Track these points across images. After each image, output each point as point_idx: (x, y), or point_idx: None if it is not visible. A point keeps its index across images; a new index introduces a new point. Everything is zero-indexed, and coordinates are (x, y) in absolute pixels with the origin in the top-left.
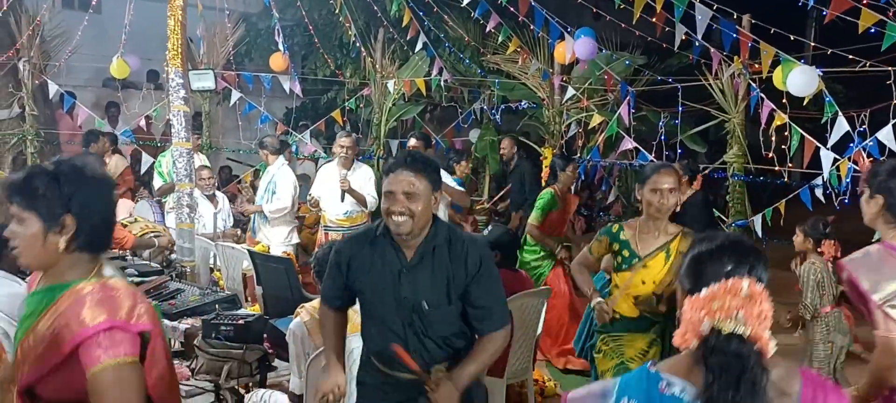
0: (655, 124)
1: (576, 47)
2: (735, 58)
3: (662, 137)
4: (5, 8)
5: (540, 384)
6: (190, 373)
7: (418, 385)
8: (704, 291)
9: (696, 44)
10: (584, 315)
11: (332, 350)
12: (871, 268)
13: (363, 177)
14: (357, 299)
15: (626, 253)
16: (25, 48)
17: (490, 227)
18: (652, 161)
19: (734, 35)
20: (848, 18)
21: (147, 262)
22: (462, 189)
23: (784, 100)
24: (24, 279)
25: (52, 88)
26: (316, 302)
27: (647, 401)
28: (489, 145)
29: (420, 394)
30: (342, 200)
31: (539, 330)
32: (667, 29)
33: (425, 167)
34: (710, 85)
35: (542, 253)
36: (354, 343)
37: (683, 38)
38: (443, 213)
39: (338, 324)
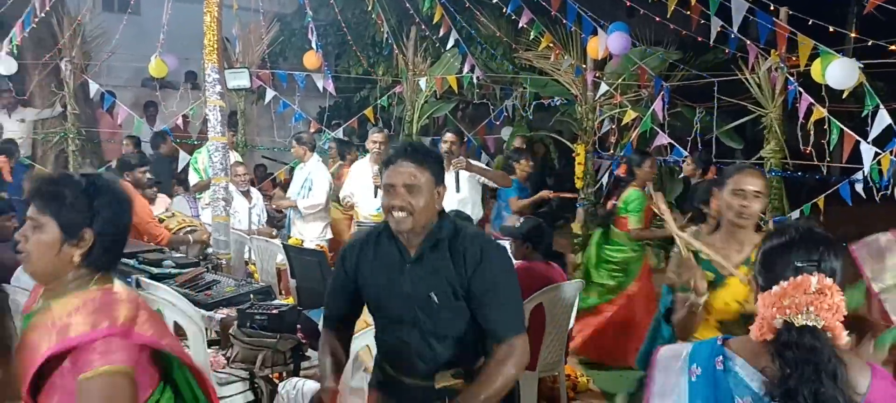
0: (690, 120)
1: (609, 42)
2: (772, 51)
3: (697, 133)
4: (47, 8)
5: (572, 379)
6: (225, 361)
7: (427, 391)
8: (775, 288)
9: (732, 37)
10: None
11: (328, 369)
12: (874, 255)
13: None
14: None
15: (711, 275)
16: (67, 48)
17: (522, 219)
18: (686, 157)
19: (771, 27)
20: (890, 7)
21: (183, 255)
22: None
23: (823, 94)
24: None
25: (93, 88)
26: None
27: (710, 373)
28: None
29: (430, 400)
30: (375, 196)
31: (571, 324)
32: (702, 22)
33: (427, 158)
34: (746, 79)
35: (632, 252)
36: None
37: (719, 30)
38: (474, 208)
39: (336, 347)
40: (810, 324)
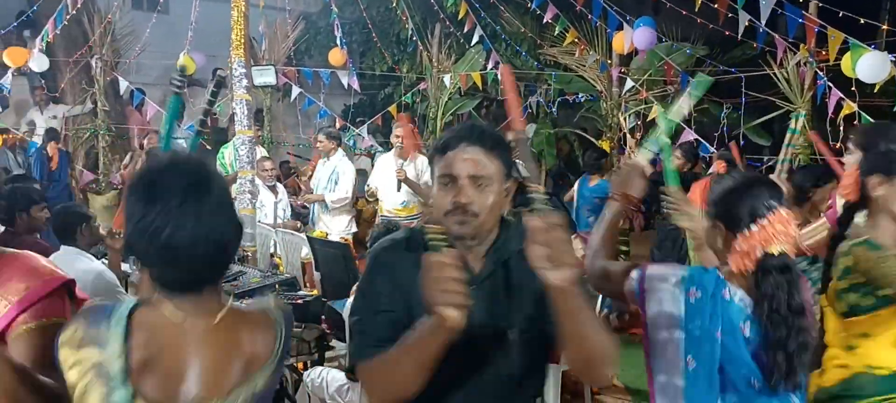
0: (717, 116)
1: (635, 37)
2: (801, 45)
3: (725, 129)
4: (79, 6)
5: None
6: None
7: None
8: (756, 226)
9: (761, 31)
10: None
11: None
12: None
13: (421, 167)
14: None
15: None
16: (97, 46)
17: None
18: (713, 153)
19: (800, 20)
20: None
21: None
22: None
23: (853, 88)
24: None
25: (123, 85)
26: None
27: (710, 299)
28: (545, 139)
29: None
30: (398, 190)
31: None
32: (729, 15)
33: (497, 143)
34: (774, 74)
35: None
36: None
37: (747, 23)
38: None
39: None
40: (780, 250)
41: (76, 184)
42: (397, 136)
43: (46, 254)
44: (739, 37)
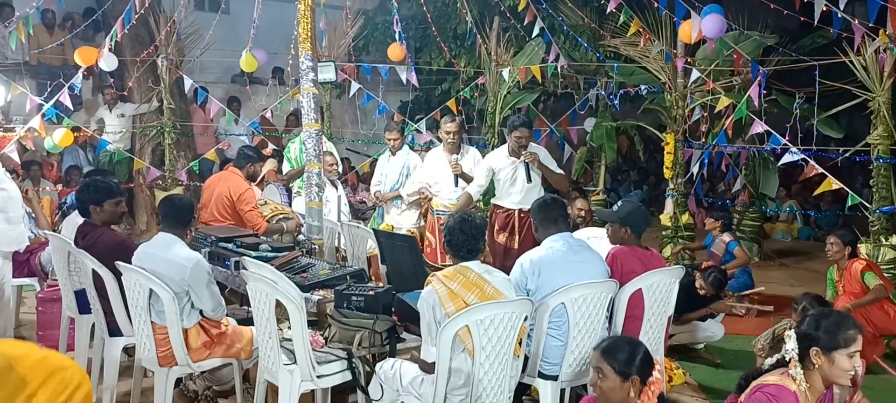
0: (787, 107)
1: (703, 25)
2: (880, 31)
3: (797, 119)
4: (147, 6)
5: (668, 371)
6: (324, 341)
7: None
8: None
9: (839, 15)
10: None
11: None
12: None
13: (472, 160)
14: None
15: None
16: (163, 46)
17: (620, 202)
18: (785, 145)
19: (882, 2)
20: None
21: (276, 241)
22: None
23: None
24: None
25: (187, 83)
26: (447, 271)
27: None
28: (605, 134)
29: None
30: (456, 184)
31: (670, 312)
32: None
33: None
34: (851, 62)
35: None
36: (465, 366)
37: (824, 9)
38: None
39: None
40: None
41: (143, 181)
42: (448, 132)
43: (123, 246)
44: (815, 22)
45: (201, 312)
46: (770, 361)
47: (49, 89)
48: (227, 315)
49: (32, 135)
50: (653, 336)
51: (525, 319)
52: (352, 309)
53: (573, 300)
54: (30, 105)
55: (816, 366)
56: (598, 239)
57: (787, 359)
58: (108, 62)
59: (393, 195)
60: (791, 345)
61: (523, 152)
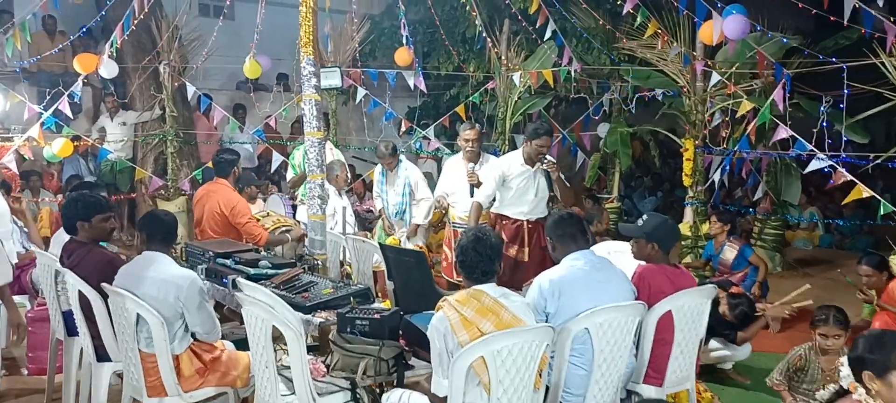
0: (811, 111)
1: (725, 26)
2: None
3: (824, 124)
4: (146, 11)
5: (697, 395)
6: (325, 369)
7: None
8: None
9: (872, 13)
10: None
11: None
12: None
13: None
14: None
15: None
16: (165, 52)
17: (645, 216)
18: (811, 150)
19: None
20: None
21: (278, 255)
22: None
23: None
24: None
25: (190, 90)
26: (459, 295)
27: None
28: (620, 139)
29: None
30: (472, 195)
31: (701, 334)
32: None
33: None
34: (882, 63)
35: None
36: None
37: (856, 5)
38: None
39: None
40: None
41: (145, 191)
42: (467, 140)
43: (112, 265)
44: (845, 22)
45: (193, 335)
46: (825, 394)
47: (48, 97)
48: (225, 336)
49: (31, 144)
50: (683, 361)
51: (546, 348)
52: (356, 334)
53: (598, 325)
54: (28, 113)
55: (873, 391)
56: (619, 255)
57: (845, 387)
58: (108, 69)
59: (413, 230)
60: (845, 372)
61: (546, 161)
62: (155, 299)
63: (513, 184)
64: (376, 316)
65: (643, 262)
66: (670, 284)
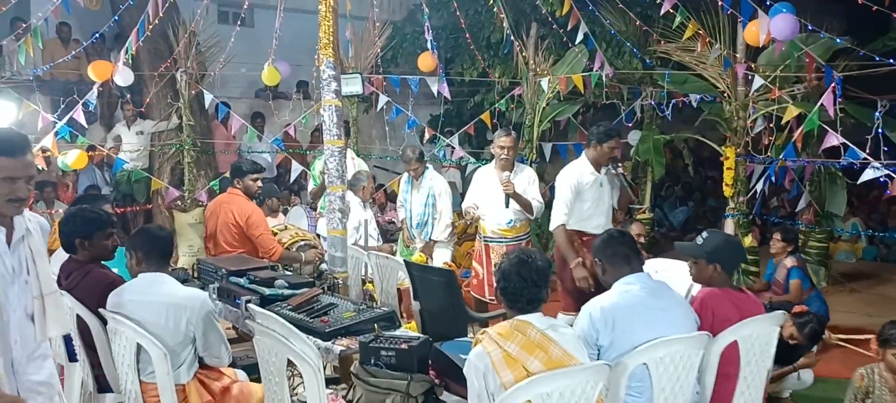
0: (859, 116)
1: (772, 26)
2: None
3: (880, 130)
4: (161, 15)
5: None
6: None
7: None
8: None
9: None
10: None
11: None
12: None
13: (526, 180)
14: None
15: None
16: (182, 58)
17: (705, 234)
18: (865, 159)
19: None
20: None
21: (296, 272)
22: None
23: None
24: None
25: (208, 99)
26: (501, 327)
27: None
28: (653, 148)
29: None
30: (507, 206)
31: (769, 366)
32: None
33: None
34: None
35: None
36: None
37: None
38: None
39: None
40: None
41: (161, 201)
42: (503, 147)
43: (113, 287)
44: None
45: (201, 360)
46: None
47: (63, 106)
48: (237, 360)
49: (45, 154)
50: (750, 396)
51: (601, 388)
52: (381, 367)
53: (657, 360)
54: (42, 123)
55: None
56: (666, 273)
57: None
58: (123, 77)
59: (431, 248)
60: None
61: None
62: (159, 326)
63: (588, 195)
64: (404, 345)
65: (704, 285)
66: (736, 310)
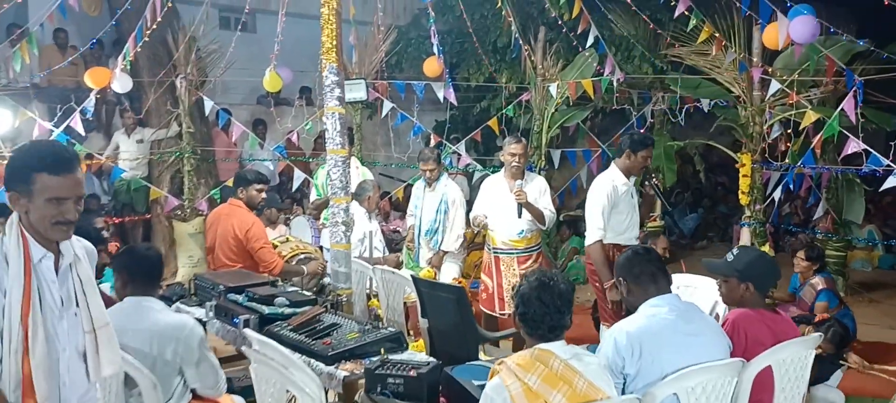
0: (878, 121)
1: (791, 28)
2: None
3: None
4: (159, 20)
5: None
6: None
7: None
8: None
9: None
10: None
11: None
12: None
13: (537, 189)
14: None
15: None
16: (182, 64)
17: (736, 250)
18: (888, 165)
19: None
20: None
21: (298, 289)
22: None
23: None
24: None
25: (208, 105)
26: (520, 357)
27: None
28: (664, 154)
29: None
30: (519, 216)
31: (804, 390)
32: None
33: None
34: None
35: None
36: None
37: None
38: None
39: None
40: None
41: (161, 211)
42: (513, 154)
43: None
44: None
45: (194, 391)
46: None
47: (60, 113)
48: (234, 385)
49: None
50: None
51: None
52: (388, 396)
53: (689, 389)
54: (39, 131)
55: None
56: (691, 289)
57: None
58: (121, 83)
59: (440, 259)
60: None
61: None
62: (145, 356)
63: (623, 206)
64: (412, 372)
65: (735, 306)
66: (770, 333)
